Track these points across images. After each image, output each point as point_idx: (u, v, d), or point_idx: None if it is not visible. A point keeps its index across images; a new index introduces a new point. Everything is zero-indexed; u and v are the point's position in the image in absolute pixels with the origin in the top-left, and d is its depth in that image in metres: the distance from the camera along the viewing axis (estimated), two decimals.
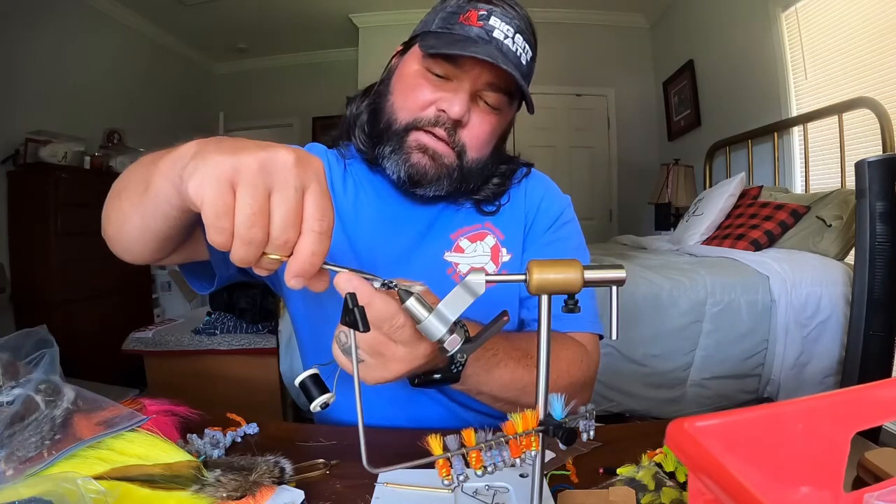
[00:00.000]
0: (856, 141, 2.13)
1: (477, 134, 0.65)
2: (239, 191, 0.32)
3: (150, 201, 0.43)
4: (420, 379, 0.48)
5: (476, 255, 0.71)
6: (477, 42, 0.61)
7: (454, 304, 0.37)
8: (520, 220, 0.74)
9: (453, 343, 0.38)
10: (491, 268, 0.71)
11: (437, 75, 0.63)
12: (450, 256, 0.70)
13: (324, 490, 0.47)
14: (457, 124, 0.63)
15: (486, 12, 0.62)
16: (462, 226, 0.72)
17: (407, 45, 0.70)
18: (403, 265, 0.69)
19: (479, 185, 0.71)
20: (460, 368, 0.48)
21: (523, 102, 0.67)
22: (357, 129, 0.72)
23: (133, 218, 0.47)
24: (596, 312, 0.72)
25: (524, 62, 0.64)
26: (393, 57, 0.72)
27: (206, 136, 0.39)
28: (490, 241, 0.72)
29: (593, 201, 4.25)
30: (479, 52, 0.58)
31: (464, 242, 0.71)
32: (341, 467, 0.51)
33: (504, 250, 0.72)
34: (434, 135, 0.64)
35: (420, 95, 0.64)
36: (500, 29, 0.61)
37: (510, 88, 0.64)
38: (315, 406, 0.39)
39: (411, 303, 0.37)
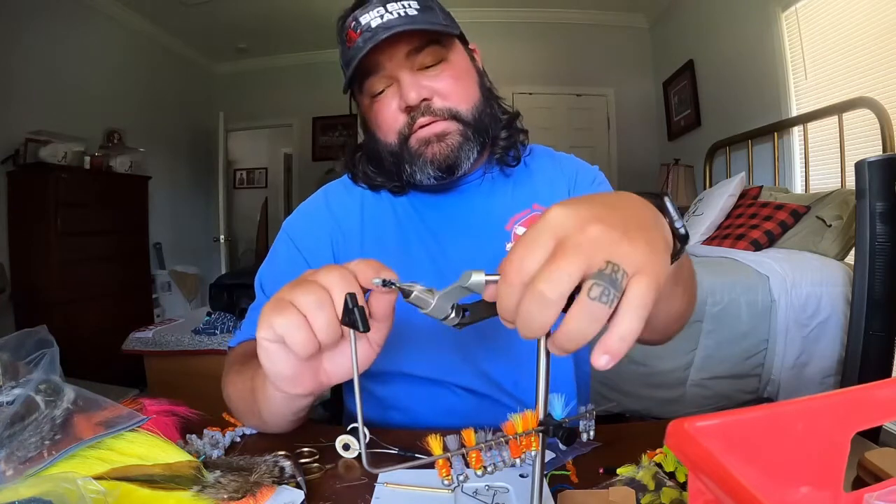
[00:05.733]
0: (856, 141, 2.13)
1: (446, 92, 0.66)
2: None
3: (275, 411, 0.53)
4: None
5: None
6: (363, 46, 0.62)
7: (453, 299, 0.38)
8: (564, 192, 0.76)
9: (454, 319, 0.39)
10: None
11: (380, 92, 0.67)
12: None
13: (324, 490, 0.47)
14: (427, 102, 0.65)
15: (354, 21, 0.63)
16: (512, 213, 0.73)
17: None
18: (471, 268, 0.69)
19: (491, 125, 0.71)
20: None
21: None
22: (376, 174, 0.74)
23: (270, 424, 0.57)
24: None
25: (413, 8, 0.63)
26: (350, 104, 0.76)
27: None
28: None
29: None
30: (364, 48, 0.61)
31: (520, 230, 0.71)
32: (341, 467, 0.51)
33: None
34: (423, 126, 0.65)
35: (385, 116, 0.67)
36: (370, 16, 0.62)
37: (429, 38, 0.64)
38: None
39: (418, 290, 0.38)
